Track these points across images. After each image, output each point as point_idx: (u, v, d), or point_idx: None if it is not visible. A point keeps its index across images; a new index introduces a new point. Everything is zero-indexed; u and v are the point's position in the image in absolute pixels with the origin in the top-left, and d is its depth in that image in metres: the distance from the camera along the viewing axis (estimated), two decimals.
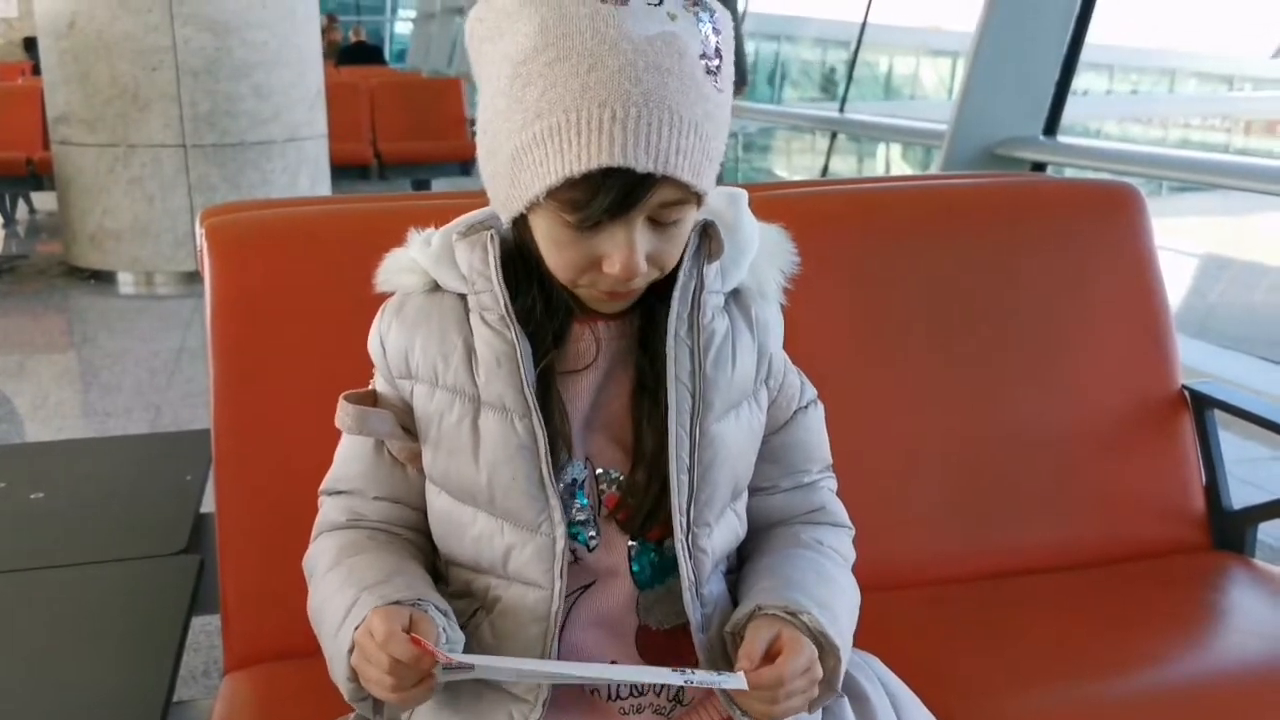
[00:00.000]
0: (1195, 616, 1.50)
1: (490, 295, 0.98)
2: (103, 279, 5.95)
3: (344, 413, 1.04)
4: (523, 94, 0.87)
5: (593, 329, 1.01)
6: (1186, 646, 1.44)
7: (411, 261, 1.04)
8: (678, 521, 0.99)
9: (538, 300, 0.98)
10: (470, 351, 0.99)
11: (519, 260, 0.99)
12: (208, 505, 1.53)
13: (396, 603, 0.93)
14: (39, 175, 7.27)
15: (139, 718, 1.12)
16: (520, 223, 0.95)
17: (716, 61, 0.90)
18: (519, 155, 0.88)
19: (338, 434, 1.10)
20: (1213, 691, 1.33)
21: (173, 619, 1.30)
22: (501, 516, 0.99)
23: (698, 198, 0.91)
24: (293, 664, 1.32)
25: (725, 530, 1.05)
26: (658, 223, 0.91)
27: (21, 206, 8.53)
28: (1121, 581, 1.54)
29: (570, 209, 0.88)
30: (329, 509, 1.09)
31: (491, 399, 0.98)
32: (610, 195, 0.86)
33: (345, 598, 0.96)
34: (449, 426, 1.00)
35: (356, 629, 0.92)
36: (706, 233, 0.99)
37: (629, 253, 0.90)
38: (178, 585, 1.37)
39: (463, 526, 1.02)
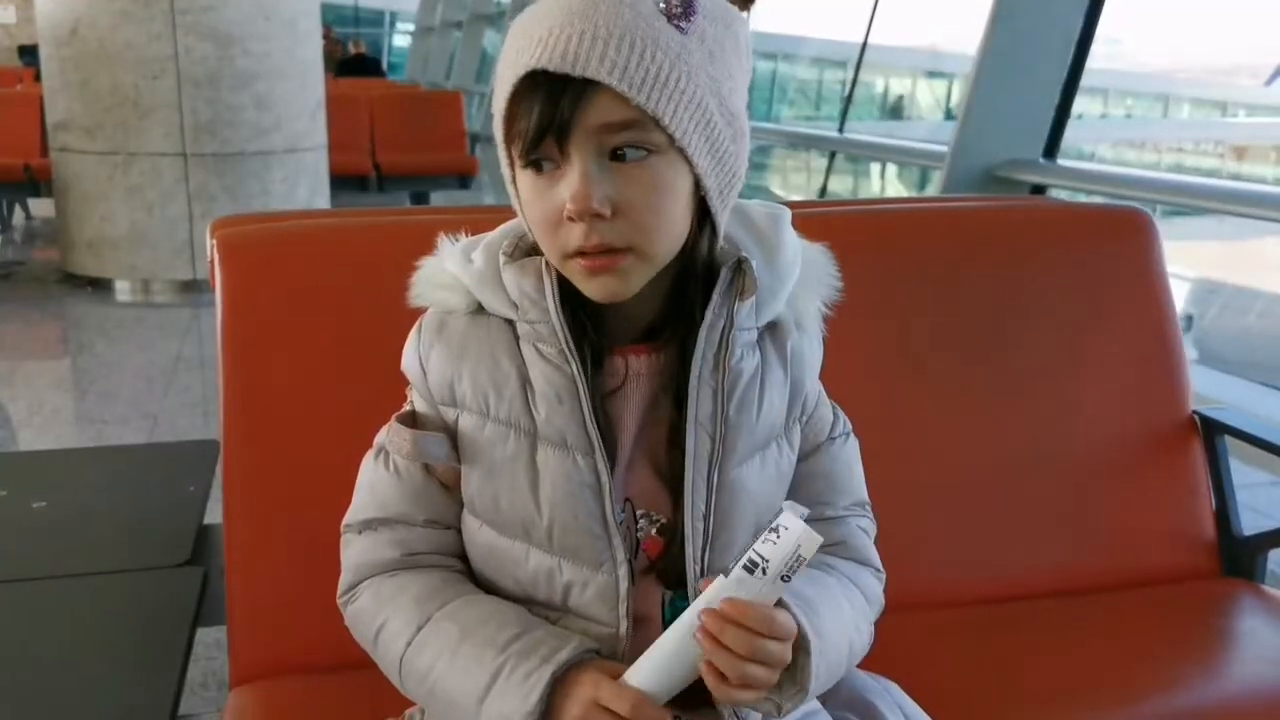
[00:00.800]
0: (1206, 643, 1.50)
1: (547, 326, 0.95)
2: (100, 286, 5.95)
3: (399, 437, 1.00)
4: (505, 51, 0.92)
5: (628, 361, 0.98)
6: (1198, 673, 1.44)
7: (453, 279, 1.00)
8: (691, 569, 0.96)
9: (590, 330, 0.95)
10: (525, 383, 0.96)
11: (567, 288, 0.95)
12: (209, 517, 1.52)
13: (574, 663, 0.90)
14: (36, 181, 7.27)
15: None
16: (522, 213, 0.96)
17: (681, 9, 0.89)
18: (493, 104, 0.93)
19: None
20: (1223, 718, 1.33)
21: (177, 632, 1.28)
22: (559, 554, 0.96)
23: (658, 126, 0.87)
24: (300, 679, 1.32)
25: None
26: (618, 160, 0.88)
27: (18, 213, 8.51)
28: (1132, 607, 1.54)
29: (518, 141, 0.89)
30: (370, 546, 1.02)
31: (551, 434, 0.95)
32: (538, 106, 0.86)
33: (479, 665, 0.92)
34: (502, 460, 0.96)
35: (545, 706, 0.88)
36: (740, 268, 0.95)
37: (577, 182, 0.87)
38: (182, 597, 1.36)
39: (513, 563, 0.98)
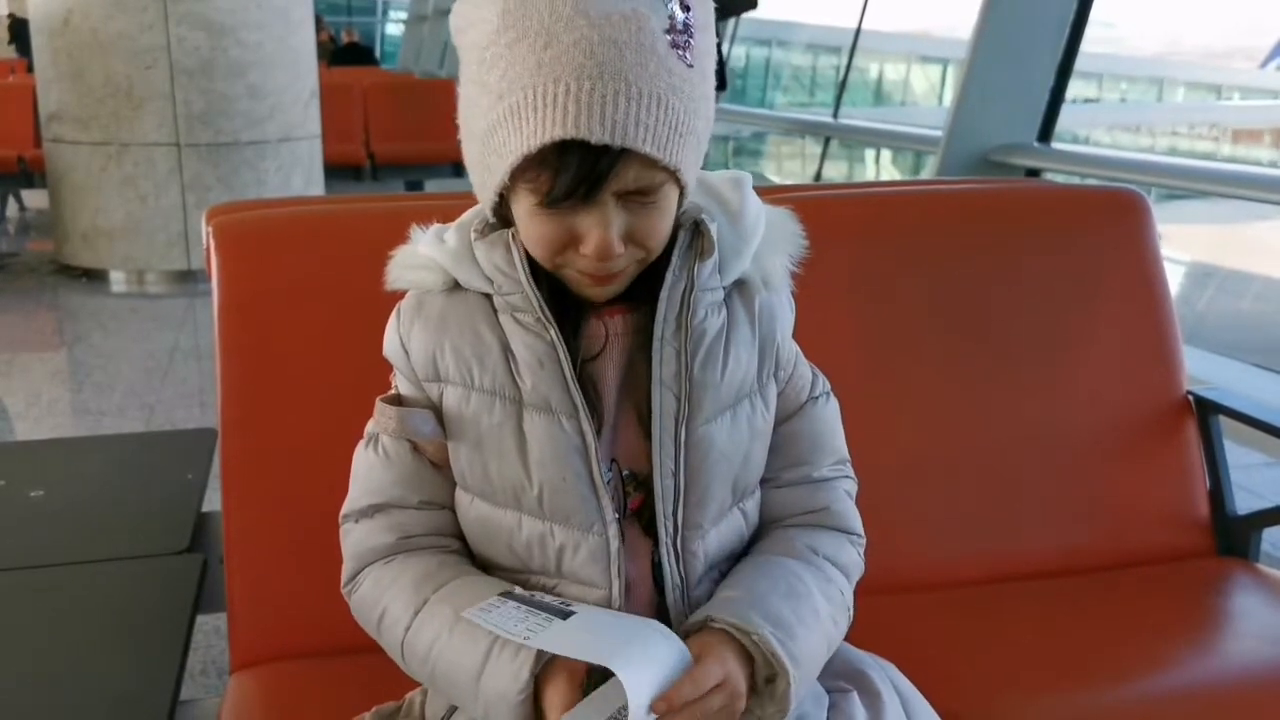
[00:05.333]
0: (1201, 621, 1.51)
1: (521, 296, 0.96)
2: (95, 278, 5.93)
3: (384, 415, 1.01)
4: (487, 77, 0.88)
5: (606, 323, 0.99)
6: (1192, 651, 1.44)
7: (427, 259, 1.01)
8: (662, 525, 0.98)
9: (558, 294, 0.97)
10: (506, 352, 0.97)
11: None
12: (208, 504, 1.52)
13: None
14: (30, 173, 7.26)
15: (147, 717, 1.11)
16: (503, 208, 0.95)
17: (685, 37, 0.88)
18: (487, 138, 0.90)
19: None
20: (1219, 696, 1.34)
21: (177, 619, 1.29)
22: (550, 519, 0.97)
23: (674, 176, 0.89)
24: (300, 664, 1.33)
25: (726, 531, 1.03)
26: (634, 202, 0.89)
27: (12, 204, 8.49)
28: (1127, 586, 1.55)
29: (535, 190, 0.88)
30: (367, 533, 1.04)
31: (536, 400, 0.96)
32: (571, 172, 0.86)
33: (473, 643, 0.93)
34: (489, 429, 0.97)
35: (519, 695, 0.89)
36: (698, 230, 0.97)
37: (602, 233, 0.88)
38: (181, 585, 1.36)
39: (506, 532, 1.00)
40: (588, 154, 0.85)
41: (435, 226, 1.03)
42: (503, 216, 0.97)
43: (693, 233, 0.97)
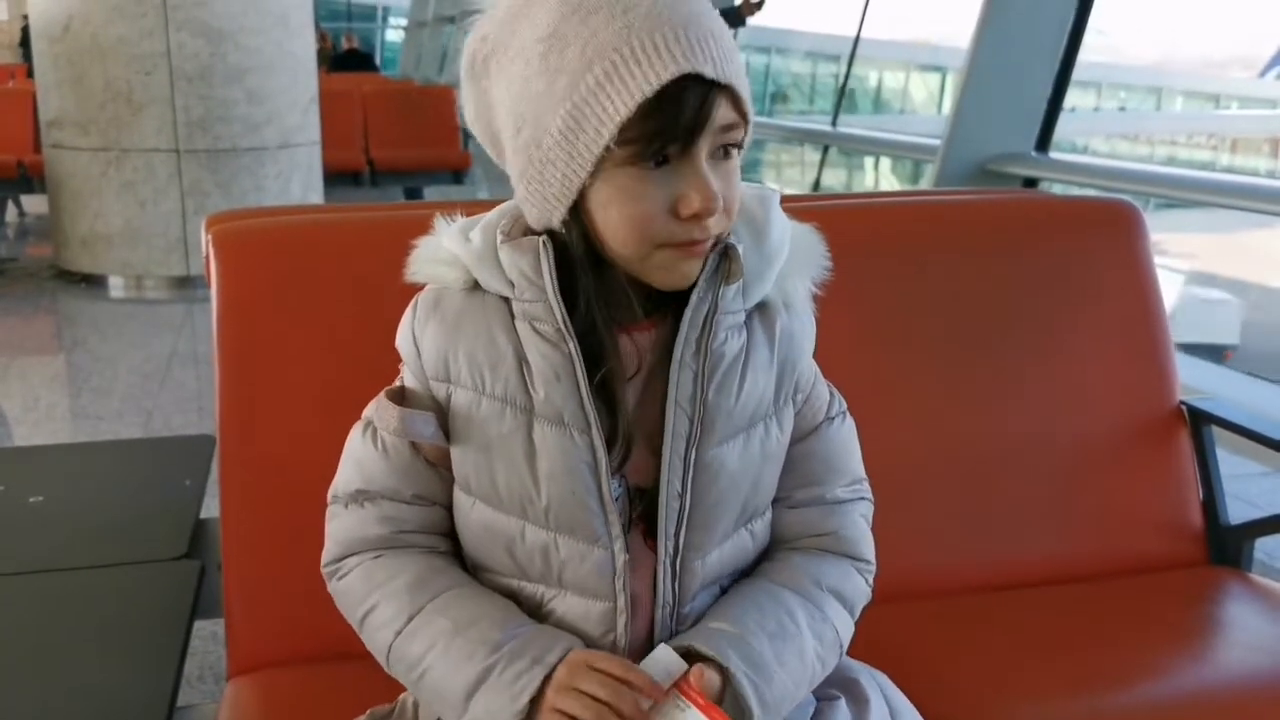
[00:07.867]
0: (1193, 630, 1.52)
1: (543, 305, 0.95)
2: (93, 283, 5.94)
3: (386, 413, 0.99)
4: (561, 60, 0.88)
5: (634, 340, 0.98)
6: (1185, 660, 1.45)
7: (450, 255, 0.99)
8: (663, 544, 0.98)
9: (589, 309, 0.95)
10: (521, 360, 0.96)
11: (565, 267, 0.95)
12: (206, 511, 1.53)
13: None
14: (30, 178, 7.27)
15: None
16: (571, 218, 0.93)
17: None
18: (575, 115, 0.88)
19: (343, 441, 1.08)
20: (1211, 704, 1.34)
21: (175, 624, 1.29)
22: (555, 530, 0.97)
23: (745, 124, 0.92)
24: (297, 670, 1.33)
25: (730, 551, 1.03)
26: (715, 158, 0.91)
27: (11, 209, 8.50)
28: (1120, 595, 1.55)
29: (643, 143, 0.87)
30: (358, 521, 1.03)
31: (549, 412, 0.95)
32: (685, 111, 0.87)
33: (470, 662, 0.94)
34: (499, 437, 0.97)
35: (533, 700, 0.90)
36: (727, 255, 0.96)
37: (705, 182, 0.89)
38: (179, 591, 1.37)
39: (508, 539, 0.99)
40: (698, 92, 0.87)
41: (462, 221, 1.01)
42: (565, 226, 0.95)
43: (720, 256, 0.96)
